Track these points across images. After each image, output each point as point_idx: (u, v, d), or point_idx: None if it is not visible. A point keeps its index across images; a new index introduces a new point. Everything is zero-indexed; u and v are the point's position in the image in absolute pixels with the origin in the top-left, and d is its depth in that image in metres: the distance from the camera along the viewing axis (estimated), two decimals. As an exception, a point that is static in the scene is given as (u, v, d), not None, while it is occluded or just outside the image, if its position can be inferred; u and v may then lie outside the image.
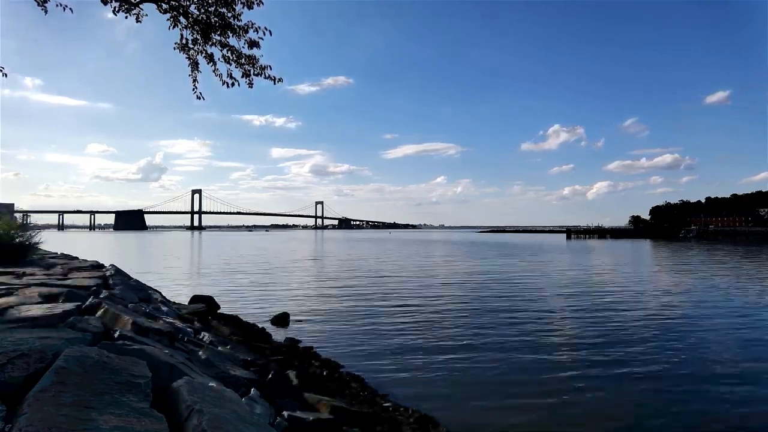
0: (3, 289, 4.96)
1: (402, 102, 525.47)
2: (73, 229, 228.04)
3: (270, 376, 5.02)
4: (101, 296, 5.40)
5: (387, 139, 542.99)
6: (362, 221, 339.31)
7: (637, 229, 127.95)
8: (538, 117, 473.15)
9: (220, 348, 5.98)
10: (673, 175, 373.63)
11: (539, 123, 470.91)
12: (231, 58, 6.61)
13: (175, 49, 6.68)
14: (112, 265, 10.85)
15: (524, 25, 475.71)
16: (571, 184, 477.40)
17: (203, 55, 6.68)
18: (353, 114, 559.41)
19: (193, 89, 6.85)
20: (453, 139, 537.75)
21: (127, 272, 11.24)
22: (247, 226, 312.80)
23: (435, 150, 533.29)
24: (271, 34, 6.55)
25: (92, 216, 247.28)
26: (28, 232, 9.96)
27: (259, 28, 6.48)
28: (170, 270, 26.27)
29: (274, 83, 6.81)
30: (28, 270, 7.51)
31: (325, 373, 6.90)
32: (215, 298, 12.50)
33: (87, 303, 4.50)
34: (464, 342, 9.56)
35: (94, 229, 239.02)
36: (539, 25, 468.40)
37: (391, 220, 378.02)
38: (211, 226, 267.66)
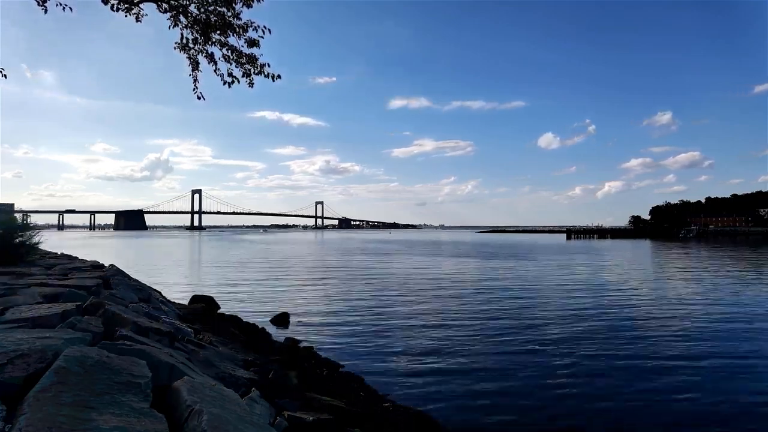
0: (3, 289, 4.95)
1: (418, 99, 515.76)
2: (73, 229, 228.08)
3: (270, 376, 5.02)
4: (101, 296, 5.39)
5: (400, 137, 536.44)
6: (362, 221, 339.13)
7: (637, 229, 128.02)
8: (554, 115, 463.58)
9: (220, 348, 5.98)
10: (690, 174, 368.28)
11: (555, 122, 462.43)
12: (231, 57, 6.61)
13: (175, 48, 6.68)
14: (112, 265, 10.85)
15: (543, 19, 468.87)
16: (584, 183, 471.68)
17: (203, 54, 6.68)
18: (365, 111, 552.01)
19: (194, 89, 6.85)
20: (468, 137, 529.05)
21: (127, 272, 11.24)
22: (246, 227, 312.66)
23: (450, 147, 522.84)
24: (270, 33, 6.56)
25: (92, 216, 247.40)
26: (28, 232, 9.95)
27: (259, 26, 6.49)
28: (170, 270, 26.27)
29: (273, 80, 6.80)
30: (28, 270, 7.50)
31: (325, 373, 6.89)
32: (215, 298, 12.50)
33: (87, 303, 4.49)
34: (464, 342, 9.56)
35: (94, 229, 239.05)
36: (561, 18, 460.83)
37: (394, 220, 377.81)
38: (211, 227, 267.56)
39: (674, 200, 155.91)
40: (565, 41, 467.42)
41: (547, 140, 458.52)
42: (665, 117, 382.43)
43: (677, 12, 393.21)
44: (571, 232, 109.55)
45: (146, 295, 8.26)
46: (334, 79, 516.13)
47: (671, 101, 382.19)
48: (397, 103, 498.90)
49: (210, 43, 6.57)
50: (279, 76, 6.81)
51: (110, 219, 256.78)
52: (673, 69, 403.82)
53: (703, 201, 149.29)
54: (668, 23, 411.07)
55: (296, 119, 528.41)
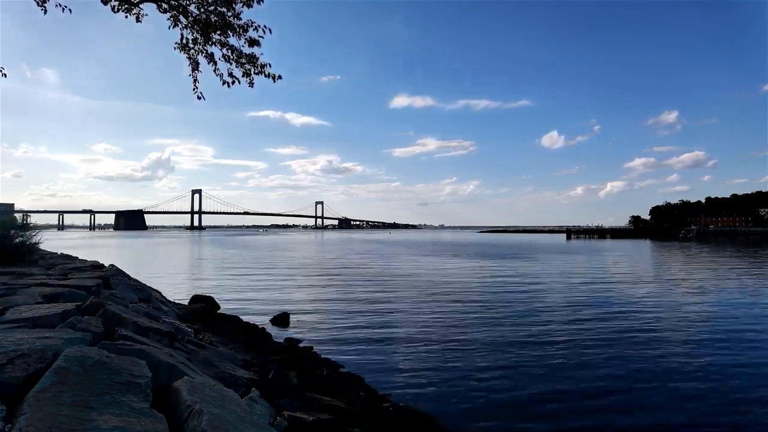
0: (3, 289, 4.95)
1: (423, 97, 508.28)
2: (73, 229, 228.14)
3: (270, 376, 5.03)
4: (101, 296, 5.39)
5: (403, 136, 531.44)
6: (362, 221, 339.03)
7: (637, 229, 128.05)
8: (559, 115, 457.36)
9: (220, 348, 5.99)
10: (694, 174, 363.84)
11: (560, 122, 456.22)
12: (231, 57, 6.61)
13: (175, 48, 6.68)
14: (112, 265, 10.86)
15: (550, 20, 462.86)
16: (586, 183, 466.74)
17: (203, 54, 6.68)
18: (368, 111, 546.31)
19: (194, 89, 6.85)
20: (471, 136, 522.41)
21: (127, 272, 11.24)
22: (246, 227, 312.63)
23: (453, 147, 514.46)
24: (270, 33, 6.56)
25: (92, 216, 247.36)
26: (28, 232, 9.95)
27: (259, 26, 6.49)
28: (170, 270, 26.28)
29: (274, 81, 6.80)
30: (28, 270, 7.51)
31: (325, 373, 6.89)
32: (215, 298, 12.51)
33: (87, 303, 4.49)
34: (465, 343, 9.55)
35: (94, 229, 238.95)
36: (568, 19, 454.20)
37: (395, 220, 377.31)
38: (211, 227, 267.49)
39: (677, 200, 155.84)
40: (571, 41, 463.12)
41: (552, 139, 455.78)
42: (670, 116, 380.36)
43: (683, 12, 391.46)
44: (571, 232, 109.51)
45: (146, 295, 8.26)
46: (338, 77, 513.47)
47: (676, 101, 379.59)
48: (401, 101, 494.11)
49: (210, 43, 6.57)
50: (280, 77, 6.80)
51: (110, 219, 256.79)
52: (679, 69, 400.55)
53: (703, 201, 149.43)
54: (674, 23, 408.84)
55: (298, 119, 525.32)
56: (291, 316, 11.84)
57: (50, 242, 15.20)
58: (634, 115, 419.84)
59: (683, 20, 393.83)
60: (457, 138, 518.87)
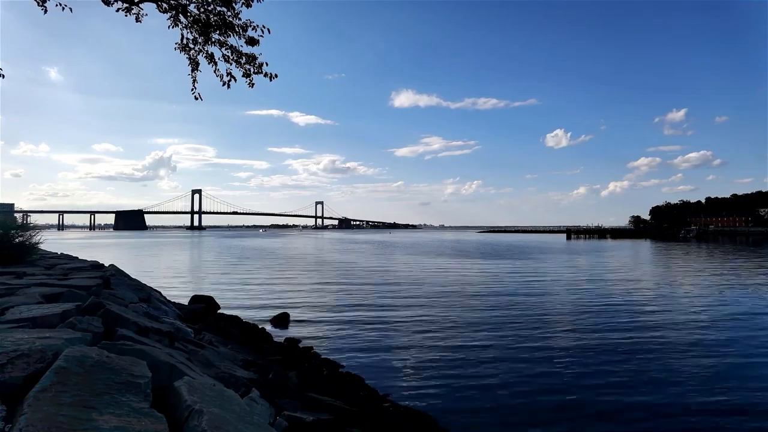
0: (3, 289, 4.95)
1: (430, 95, 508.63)
2: (73, 229, 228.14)
3: (270, 376, 5.03)
4: (101, 296, 5.39)
5: (406, 136, 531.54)
6: (362, 221, 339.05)
7: (637, 229, 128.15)
8: (565, 115, 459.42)
9: (220, 348, 5.99)
10: (699, 173, 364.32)
11: (565, 121, 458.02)
12: (231, 57, 6.62)
13: (175, 49, 6.69)
14: (112, 265, 10.85)
15: (557, 21, 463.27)
16: (589, 183, 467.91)
17: (203, 54, 6.69)
18: (372, 110, 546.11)
19: (192, 89, 6.85)
20: (476, 135, 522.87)
21: (127, 272, 11.24)
22: (247, 227, 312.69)
23: (458, 146, 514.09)
24: (269, 32, 6.57)
25: (92, 216, 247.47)
26: (28, 232, 9.94)
27: (258, 26, 6.50)
28: (170, 270, 26.27)
29: (270, 80, 6.81)
30: (28, 270, 7.50)
31: (324, 373, 6.89)
32: (215, 298, 12.51)
33: (87, 303, 4.49)
34: (465, 342, 9.56)
35: (94, 229, 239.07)
36: (575, 20, 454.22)
37: (396, 219, 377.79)
38: (211, 226, 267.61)
39: (678, 200, 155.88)
40: (577, 41, 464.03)
41: (556, 138, 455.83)
42: (677, 115, 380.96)
43: (688, 13, 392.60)
44: (571, 233, 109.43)
45: (146, 295, 8.26)
46: (343, 75, 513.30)
47: (682, 101, 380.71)
48: (406, 99, 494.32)
49: (210, 42, 6.58)
50: (275, 76, 6.81)
51: (110, 219, 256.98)
52: (684, 69, 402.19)
53: (704, 201, 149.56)
54: (679, 24, 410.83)
55: (301, 118, 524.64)
56: (291, 316, 11.84)
57: (50, 242, 15.18)
58: (639, 114, 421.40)
59: (689, 20, 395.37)
60: (461, 137, 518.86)
